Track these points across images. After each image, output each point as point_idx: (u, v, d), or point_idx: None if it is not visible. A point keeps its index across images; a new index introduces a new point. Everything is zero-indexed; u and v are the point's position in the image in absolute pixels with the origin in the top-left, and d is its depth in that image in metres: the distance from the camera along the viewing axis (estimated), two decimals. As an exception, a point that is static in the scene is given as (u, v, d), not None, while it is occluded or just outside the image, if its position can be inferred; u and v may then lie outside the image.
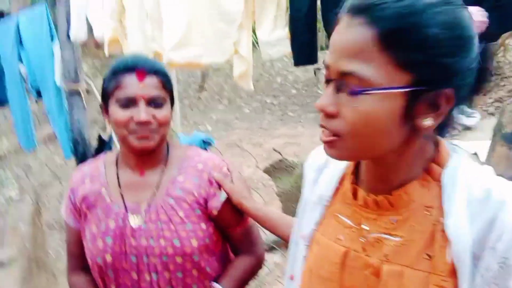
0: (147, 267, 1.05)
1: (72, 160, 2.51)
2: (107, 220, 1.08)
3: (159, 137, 1.07)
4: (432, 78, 0.59)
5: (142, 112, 1.01)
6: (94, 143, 2.29)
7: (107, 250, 1.06)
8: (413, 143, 0.66)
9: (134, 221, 1.07)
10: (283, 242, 3.34)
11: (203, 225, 1.09)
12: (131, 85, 1.02)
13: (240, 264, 1.18)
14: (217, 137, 5.83)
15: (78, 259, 1.17)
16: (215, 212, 1.10)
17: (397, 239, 0.67)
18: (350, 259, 0.72)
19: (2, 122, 6.34)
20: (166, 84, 1.08)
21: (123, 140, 1.06)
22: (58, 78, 2.33)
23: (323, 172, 0.82)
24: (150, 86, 1.03)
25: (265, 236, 3.17)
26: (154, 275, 1.06)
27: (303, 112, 6.96)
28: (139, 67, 1.03)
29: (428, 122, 0.61)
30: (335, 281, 0.73)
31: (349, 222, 0.74)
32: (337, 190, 0.79)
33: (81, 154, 2.24)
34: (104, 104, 1.09)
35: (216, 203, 1.10)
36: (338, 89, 0.63)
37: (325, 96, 0.64)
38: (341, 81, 0.62)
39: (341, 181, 0.79)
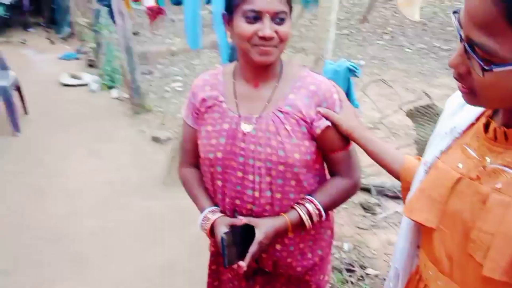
0: (252, 169, 1.14)
1: (229, 67, 2.71)
2: (222, 122, 1.16)
3: (279, 52, 1.10)
4: None
5: (267, 28, 1.04)
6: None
7: (219, 148, 1.16)
8: None
9: (246, 127, 1.15)
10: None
11: (307, 142, 1.14)
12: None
13: (336, 183, 1.22)
14: (368, 73, 5.56)
15: (191, 156, 1.31)
16: (318, 131, 1.14)
17: None
18: (462, 185, 0.75)
19: (178, 23, 7.09)
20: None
21: (244, 53, 1.10)
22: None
23: (464, 108, 0.84)
24: (276, 0, 1.04)
25: (391, 183, 3.08)
26: (257, 177, 1.14)
27: (474, 64, 6.09)
28: None
29: None
30: (442, 203, 0.78)
31: (473, 153, 0.76)
32: (471, 125, 0.81)
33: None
34: (227, 14, 1.12)
35: (320, 124, 1.13)
36: (468, 52, 0.63)
37: (457, 55, 0.66)
38: (470, 46, 0.62)
39: (478, 118, 0.80)
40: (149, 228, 2.84)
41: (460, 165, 0.77)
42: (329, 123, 1.14)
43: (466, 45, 0.62)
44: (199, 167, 1.29)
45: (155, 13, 4.14)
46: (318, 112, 1.14)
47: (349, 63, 1.51)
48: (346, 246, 2.65)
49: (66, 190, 3.21)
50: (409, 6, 1.69)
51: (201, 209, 1.24)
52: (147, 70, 5.74)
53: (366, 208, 3.01)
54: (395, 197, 3.11)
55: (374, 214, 2.98)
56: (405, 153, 1.17)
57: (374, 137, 1.17)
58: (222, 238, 1.09)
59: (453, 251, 0.76)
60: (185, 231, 2.79)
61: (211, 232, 1.20)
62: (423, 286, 0.87)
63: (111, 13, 4.40)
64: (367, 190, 3.06)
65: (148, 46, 6.09)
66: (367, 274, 2.49)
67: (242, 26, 1.06)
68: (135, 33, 5.69)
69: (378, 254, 2.61)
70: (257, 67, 1.13)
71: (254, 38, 1.06)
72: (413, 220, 0.85)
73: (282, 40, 1.08)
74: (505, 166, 0.69)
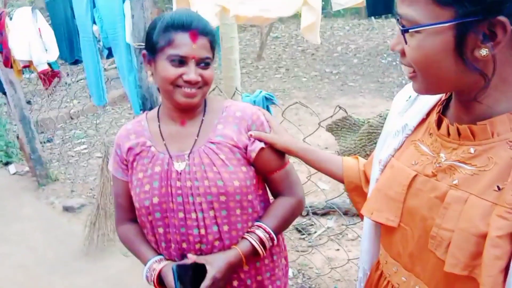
0: (193, 206, 1.10)
1: (139, 117, 2.64)
2: (153, 166, 1.13)
3: (202, 94, 1.11)
4: (475, 9, 0.60)
5: (192, 73, 1.04)
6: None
7: (154, 192, 1.11)
8: (487, 86, 0.65)
9: (179, 166, 1.12)
10: (347, 209, 3.33)
11: (244, 168, 1.13)
12: (185, 45, 1.04)
13: (281, 203, 1.21)
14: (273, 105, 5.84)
15: (126, 211, 1.24)
16: (253, 155, 1.14)
17: (471, 168, 0.68)
18: (418, 183, 0.76)
19: (74, 85, 6.77)
20: (213, 44, 1.11)
21: (168, 95, 1.09)
22: (128, 37, 2.42)
23: (413, 104, 0.86)
24: (201, 47, 1.06)
25: (318, 201, 3.19)
26: (200, 214, 1.10)
27: (364, 82, 6.74)
28: (193, 28, 1.04)
29: (483, 52, 0.61)
30: (399, 201, 0.79)
31: (427, 150, 0.77)
32: (422, 121, 0.82)
33: (149, 110, 2.35)
34: (149, 55, 1.10)
35: (254, 147, 1.14)
36: (401, 31, 0.68)
37: (394, 38, 0.70)
38: (399, 22, 0.67)
39: (428, 114, 0.82)
40: (79, 306, 2.54)
41: (415, 162, 0.78)
42: (262, 145, 1.14)
43: (397, 22, 0.68)
44: (137, 222, 1.22)
45: (49, 76, 3.91)
46: (250, 136, 1.14)
47: (265, 93, 1.56)
48: (291, 272, 2.64)
49: (-31, 288, 2.75)
50: (311, 31, 1.82)
51: (145, 261, 1.15)
52: (46, 138, 5.34)
53: (301, 230, 3.06)
54: (324, 214, 3.22)
55: (309, 234, 3.03)
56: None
57: (311, 146, 1.19)
58: (173, 269, 1.02)
59: (414, 248, 0.77)
60: (121, 300, 2.55)
61: (159, 282, 1.11)
62: (385, 282, 0.87)
63: (-1, 84, 4.07)
64: (298, 213, 3.12)
65: (44, 113, 5.69)
66: (316, 295, 2.50)
67: (167, 69, 1.05)
68: (28, 102, 5.29)
69: (323, 272, 2.64)
70: (181, 108, 1.12)
71: (178, 80, 1.05)
72: (374, 221, 0.85)
73: (206, 83, 1.09)
74: (460, 162, 0.70)
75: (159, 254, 1.17)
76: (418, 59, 0.66)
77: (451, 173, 0.71)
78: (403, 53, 0.69)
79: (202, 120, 1.16)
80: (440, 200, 0.71)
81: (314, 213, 3.15)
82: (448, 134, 0.73)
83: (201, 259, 1.08)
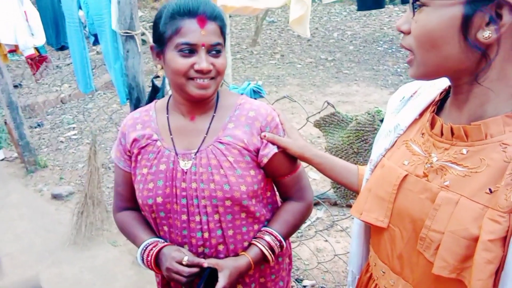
0: (197, 209, 1.06)
1: (127, 106, 2.59)
2: (158, 163, 1.08)
3: (216, 85, 1.05)
4: None
5: (203, 61, 0.98)
6: (148, 90, 2.33)
7: (157, 192, 1.07)
8: (488, 67, 0.64)
9: (185, 164, 1.07)
10: (327, 198, 3.33)
11: (252, 172, 1.08)
12: (193, 32, 0.97)
13: (291, 208, 1.17)
14: (267, 91, 5.77)
15: (125, 200, 1.21)
16: (265, 161, 1.09)
17: (462, 169, 0.68)
18: (409, 183, 0.75)
19: (64, 69, 6.66)
20: (223, 29, 1.04)
21: (180, 87, 1.03)
22: (114, 24, 2.35)
23: (407, 104, 0.85)
24: (210, 33, 0.99)
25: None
26: (204, 217, 1.06)
27: (359, 70, 6.67)
28: (201, 13, 0.98)
29: (486, 33, 0.61)
30: (389, 201, 0.77)
31: (418, 150, 0.76)
32: (414, 121, 0.81)
33: (135, 99, 2.29)
34: (157, 47, 1.05)
35: (267, 152, 1.09)
36: (412, 2, 0.67)
37: (402, 17, 0.70)
38: (412, 1, 0.67)
39: (422, 114, 0.81)
40: (65, 296, 2.53)
41: (406, 162, 0.77)
42: (275, 150, 1.09)
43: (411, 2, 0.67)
44: (136, 210, 1.19)
45: (37, 61, 3.82)
46: (263, 137, 1.08)
47: (252, 85, 1.52)
48: (279, 265, 2.63)
49: (-46, 276, 2.72)
50: (300, 24, 1.77)
51: (141, 241, 1.12)
52: (35, 123, 5.26)
53: (290, 221, 3.04)
54: (314, 204, 3.20)
55: (298, 226, 3.02)
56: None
57: (326, 154, 1.14)
58: (205, 273, 1.03)
59: (403, 249, 0.76)
60: (107, 290, 2.54)
61: (156, 264, 1.09)
62: (373, 285, 0.86)
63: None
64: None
65: (33, 98, 5.60)
66: (304, 286, 2.50)
67: (177, 60, 0.99)
68: (16, 86, 5.20)
69: (311, 264, 2.64)
70: (193, 100, 1.06)
71: (190, 72, 0.99)
72: (363, 221, 0.84)
73: (219, 72, 1.03)
74: (451, 162, 0.69)
75: (157, 236, 1.15)
76: (423, 34, 0.65)
77: (443, 174, 0.70)
78: (407, 32, 0.69)
79: (213, 116, 1.10)
80: (431, 201, 0.70)
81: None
82: (441, 134, 0.72)
83: (214, 264, 1.05)
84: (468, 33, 0.62)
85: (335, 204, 3.17)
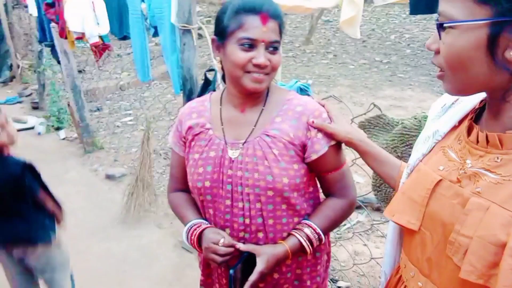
0: (241, 196, 1.12)
1: (180, 96, 2.71)
2: (208, 150, 1.15)
3: (269, 80, 1.10)
4: (511, 8, 0.60)
5: (261, 56, 1.04)
6: (200, 82, 2.43)
7: (206, 176, 1.14)
8: None
9: (233, 153, 1.13)
10: (369, 202, 3.28)
11: (296, 166, 1.11)
12: (255, 28, 1.03)
13: (332, 204, 1.19)
14: (317, 91, 5.74)
15: (178, 182, 1.30)
16: (314, 157, 1.12)
17: (495, 176, 0.68)
18: (442, 188, 0.76)
19: (125, 58, 7.01)
20: (282, 28, 1.09)
21: (236, 80, 1.09)
22: (173, 17, 2.47)
23: (447, 112, 0.86)
24: (271, 30, 1.05)
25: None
26: (246, 204, 1.12)
27: (415, 75, 6.45)
28: (264, 10, 1.04)
29: None
30: (421, 205, 0.79)
31: (454, 156, 0.77)
32: (453, 128, 0.83)
33: (188, 91, 2.39)
34: (219, 40, 1.11)
35: (317, 149, 1.11)
36: (437, 26, 0.69)
37: (432, 36, 0.72)
38: (437, 20, 0.69)
39: (461, 121, 0.82)
40: (111, 270, 2.70)
41: (441, 168, 0.78)
42: (326, 149, 1.11)
43: (435, 21, 0.70)
44: (188, 192, 1.28)
45: (100, 49, 4.07)
46: (310, 124, 1.10)
47: (300, 83, 1.55)
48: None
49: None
50: (350, 25, 1.77)
51: (187, 221, 1.21)
52: (95, 107, 5.59)
53: (330, 222, 3.04)
54: (357, 207, 3.17)
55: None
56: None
57: (371, 142, 1.16)
58: (230, 276, 1.07)
59: (432, 253, 0.77)
60: (149, 270, 2.68)
61: (199, 243, 1.17)
62: (402, 287, 0.87)
63: (54, 53, 4.28)
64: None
65: (95, 83, 5.95)
66: (338, 287, 2.50)
67: (237, 53, 1.05)
68: (80, 71, 5.55)
69: (347, 266, 2.63)
70: (247, 93, 1.12)
71: (248, 65, 1.06)
72: (395, 222, 0.86)
73: (274, 68, 1.09)
74: (485, 169, 0.70)
75: (203, 218, 1.22)
76: (450, 56, 0.67)
77: (475, 180, 0.71)
78: (437, 52, 0.71)
79: (262, 109, 1.15)
80: (462, 206, 0.71)
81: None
82: (477, 141, 0.73)
83: (253, 249, 1.11)
84: (495, 54, 0.63)
85: (377, 209, 3.12)
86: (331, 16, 10.14)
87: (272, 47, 1.06)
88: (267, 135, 1.11)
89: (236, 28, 1.05)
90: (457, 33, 0.65)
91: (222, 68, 1.17)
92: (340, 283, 2.52)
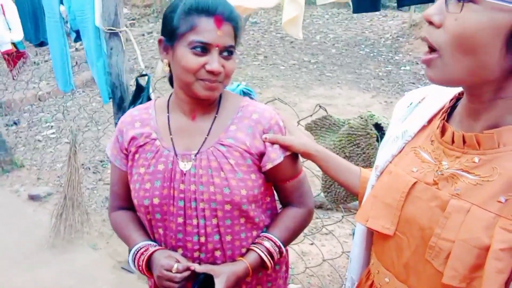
0: (195, 212, 1.03)
1: (109, 105, 2.51)
2: (156, 163, 1.05)
3: (223, 87, 1.04)
4: None
5: (215, 62, 0.96)
6: (132, 89, 2.27)
7: (154, 192, 1.04)
8: None
9: (184, 166, 1.04)
10: (321, 203, 3.31)
11: (253, 176, 1.05)
12: (209, 31, 0.95)
13: (292, 214, 1.15)
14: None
15: (121, 199, 1.17)
16: (269, 166, 1.06)
17: (474, 177, 0.66)
18: (418, 191, 0.73)
19: (43, 65, 6.47)
20: (237, 32, 1.02)
21: (186, 85, 1.00)
22: (98, 20, 2.28)
23: (414, 111, 0.83)
24: (226, 34, 0.98)
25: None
26: (201, 221, 1.03)
27: (341, 73, 6.72)
28: (219, 13, 0.96)
29: None
30: (396, 209, 0.75)
31: (428, 157, 0.74)
32: (423, 127, 0.79)
33: (119, 99, 2.22)
34: (167, 41, 1.02)
35: (273, 158, 1.06)
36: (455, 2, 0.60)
37: (434, 5, 0.63)
38: None
39: (430, 121, 0.79)
40: (42, 302, 2.43)
41: (415, 169, 0.75)
42: (282, 159, 1.06)
43: None
44: (132, 210, 1.15)
45: (14, 57, 3.68)
46: (264, 140, 1.05)
47: (242, 86, 1.48)
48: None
49: None
50: (293, 25, 1.74)
51: (133, 245, 1.09)
52: (12, 120, 5.09)
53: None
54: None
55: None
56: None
57: (329, 152, 1.11)
58: (199, 279, 1.00)
59: (410, 258, 0.75)
60: (87, 295, 2.46)
61: (148, 268, 1.06)
62: None
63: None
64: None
65: (10, 94, 5.41)
66: (289, 291, 2.48)
67: (188, 57, 0.96)
68: (-10, 82, 5.02)
69: (296, 268, 2.62)
70: (200, 101, 1.03)
71: (201, 72, 0.97)
72: (369, 228, 0.82)
73: (227, 75, 1.00)
74: (463, 170, 0.68)
75: (149, 239, 1.11)
76: (463, 35, 0.59)
77: (453, 182, 0.69)
78: (438, 26, 0.62)
79: (215, 117, 1.07)
80: (441, 209, 0.69)
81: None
82: (452, 141, 0.71)
83: (209, 270, 1.02)
84: None
85: (319, 207, 3.16)
86: (258, 17, 10.26)
87: (227, 52, 0.99)
88: (222, 145, 1.03)
89: (188, 30, 0.96)
90: (479, 10, 0.58)
91: (170, 71, 1.07)
92: (291, 286, 2.50)
